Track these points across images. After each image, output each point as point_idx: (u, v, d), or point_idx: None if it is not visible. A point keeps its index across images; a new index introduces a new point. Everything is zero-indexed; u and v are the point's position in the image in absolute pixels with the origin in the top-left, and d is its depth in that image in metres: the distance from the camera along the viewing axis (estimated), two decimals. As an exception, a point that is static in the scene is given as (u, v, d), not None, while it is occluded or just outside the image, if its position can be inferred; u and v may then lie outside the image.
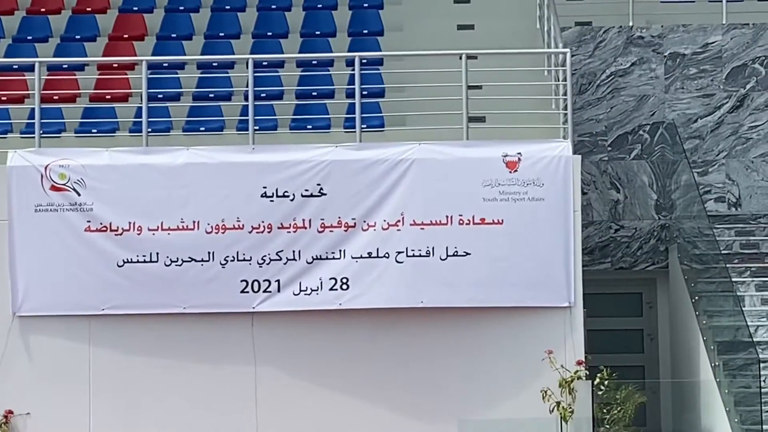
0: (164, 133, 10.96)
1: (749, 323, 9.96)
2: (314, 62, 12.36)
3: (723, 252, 11.13)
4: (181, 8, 13.90)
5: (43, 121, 10.47)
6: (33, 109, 10.48)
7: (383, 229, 9.82)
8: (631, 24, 12.70)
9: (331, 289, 9.81)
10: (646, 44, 12.65)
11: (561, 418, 9.18)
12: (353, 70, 10.42)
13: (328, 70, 12.08)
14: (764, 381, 9.61)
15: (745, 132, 12.37)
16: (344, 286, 9.81)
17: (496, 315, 9.72)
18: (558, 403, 9.15)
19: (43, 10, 13.99)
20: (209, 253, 9.83)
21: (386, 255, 9.83)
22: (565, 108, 10.32)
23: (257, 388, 9.86)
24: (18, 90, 11.71)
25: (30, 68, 11.18)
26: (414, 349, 9.88)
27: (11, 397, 9.63)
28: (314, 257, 9.82)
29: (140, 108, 10.45)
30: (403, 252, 9.80)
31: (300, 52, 12.45)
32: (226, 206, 9.93)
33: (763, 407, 9.49)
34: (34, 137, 10.22)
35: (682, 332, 11.73)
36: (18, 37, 13.19)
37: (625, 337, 12.61)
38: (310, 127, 11.26)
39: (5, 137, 11.07)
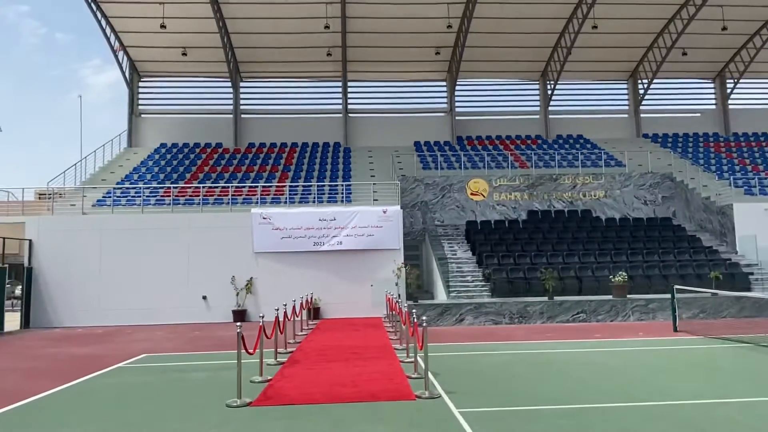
0: (292, 202, 17.99)
1: (446, 253, 17.15)
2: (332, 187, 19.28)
3: (440, 234, 18.46)
4: (301, 173, 20.55)
5: (262, 202, 17.60)
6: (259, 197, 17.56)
7: (351, 228, 16.18)
8: (414, 175, 19.48)
9: (338, 244, 16.25)
10: (426, 184, 19.63)
11: (398, 278, 15.82)
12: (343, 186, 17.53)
13: (335, 187, 19.28)
14: (449, 270, 16.14)
15: (444, 204, 19.75)
16: (342, 244, 16.20)
17: (381, 252, 15.99)
18: (398, 275, 15.84)
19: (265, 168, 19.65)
20: (305, 235, 16.23)
21: (353, 235, 16.14)
22: (397, 198, 17.60)
23: (319, 274, 16.25)
24: (252, 191, 18.35)
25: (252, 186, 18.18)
26: (359, 261, 15.97)
27: (253, 274, 15.98)
28: (333, 236, 16.21)
29: (287, 197, 17.76)
30: (357, 234, 16.16)
31: (328, 185, 19.11)
32: (310, 222, 16.26)
33: (450, 280, 15.66)
34: (258, 204, 17.63)
35: (429, 256, 18.25)
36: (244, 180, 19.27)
37: (412, 258, 18.72)
38: (331, 202, 18.34)
39: (251, 204, 17.63)
